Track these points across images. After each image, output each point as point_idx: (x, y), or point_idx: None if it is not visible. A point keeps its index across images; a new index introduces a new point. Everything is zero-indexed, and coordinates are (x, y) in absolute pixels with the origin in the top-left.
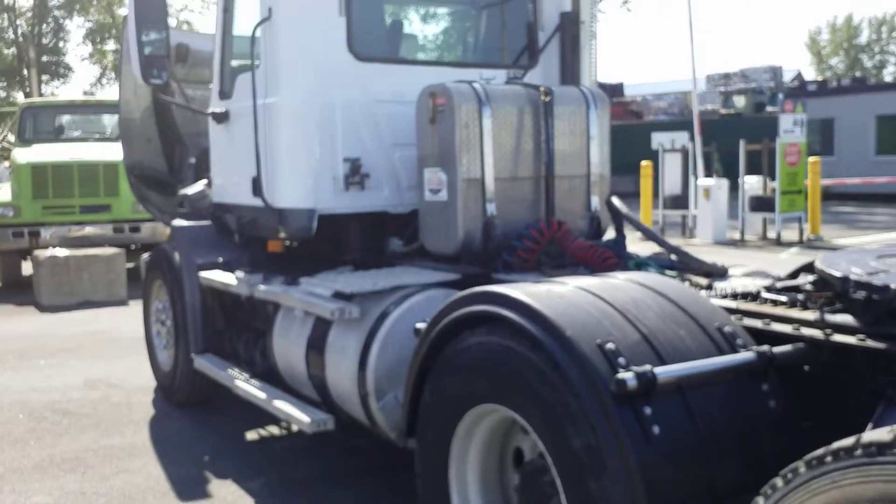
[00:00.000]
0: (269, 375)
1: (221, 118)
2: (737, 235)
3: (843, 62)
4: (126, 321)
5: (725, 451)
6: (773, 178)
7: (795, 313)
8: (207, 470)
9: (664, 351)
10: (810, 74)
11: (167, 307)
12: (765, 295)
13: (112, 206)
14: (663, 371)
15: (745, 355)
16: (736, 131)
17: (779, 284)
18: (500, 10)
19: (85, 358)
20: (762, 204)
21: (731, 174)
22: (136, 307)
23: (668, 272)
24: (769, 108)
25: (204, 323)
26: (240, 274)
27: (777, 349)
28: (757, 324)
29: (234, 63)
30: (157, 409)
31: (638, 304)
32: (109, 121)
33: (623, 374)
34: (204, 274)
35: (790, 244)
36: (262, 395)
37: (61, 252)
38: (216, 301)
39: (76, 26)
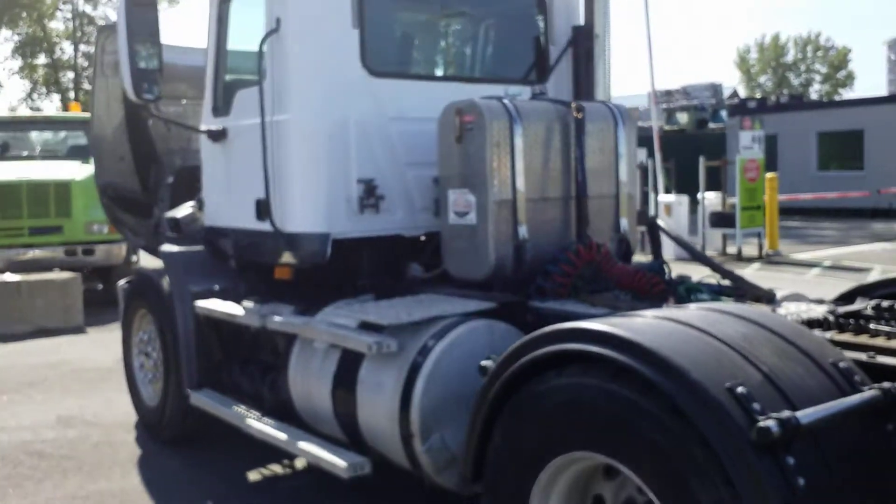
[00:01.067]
0: (281, 412)
1: (218, 136)
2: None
3: (772, 80)
4: (89, 351)
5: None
6: (729, 193)
7: None
8: None
9: (791, 393)
10: (742, 92)
11: (153, 338)
12: (872, 326)
13: (64, 228)
14: (805, 416)
15: (871, 393)
16: (681, 147)
17: (841, 310)
18: (513, 24)
19: (52, 392)
20: (722, 220)
21: (681, 189)
22: (96, 335)
23: (724, 298)
24: (711, 125)
25: (199, 356)
26: (248, 304)
27: None
28: (861, 356)
29: (231, 77)
30: (143, 449)
31: (749, 339)
32: (59, 137)
33: (765, 422)
34: (201, 303)
35: (751, 259)
36: (281, 435)
37: (12, 277)
38: (213, 332)
39: (4, 39)
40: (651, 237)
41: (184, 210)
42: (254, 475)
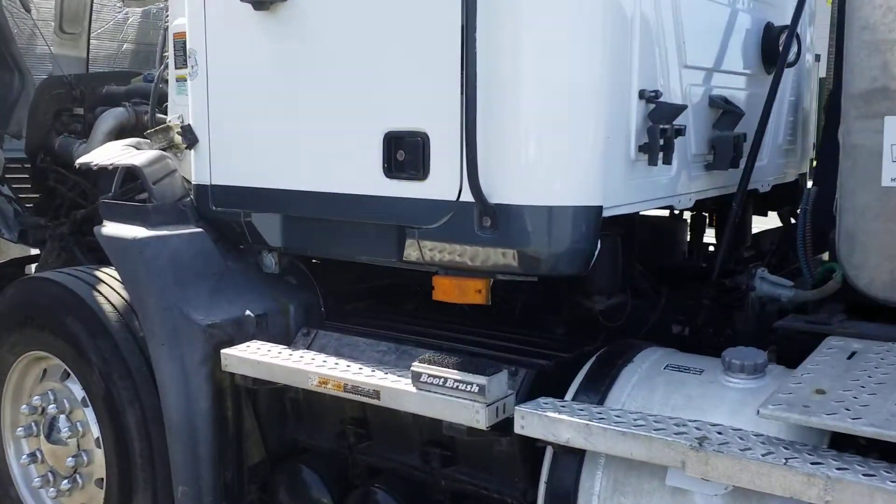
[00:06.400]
0: None
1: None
2: None
3: None
4: None
5: None
6: None
7: None
8: None
9: None
10: None
11: (70, 409)
12: None
13: None
14: None
15: None
16: None
17: None
18: None
19: None
20: None
21: None
22: None
23: None
24: None
25: (222, 461)
26: (425, 369)
27: None
28: None
29: None
30: None
31: None
32: None
33: None
34: (232, 353)
35: None
36: None
37: None
38: (247, 410)
39: None
40: None
41: (145, 155)
42: None
